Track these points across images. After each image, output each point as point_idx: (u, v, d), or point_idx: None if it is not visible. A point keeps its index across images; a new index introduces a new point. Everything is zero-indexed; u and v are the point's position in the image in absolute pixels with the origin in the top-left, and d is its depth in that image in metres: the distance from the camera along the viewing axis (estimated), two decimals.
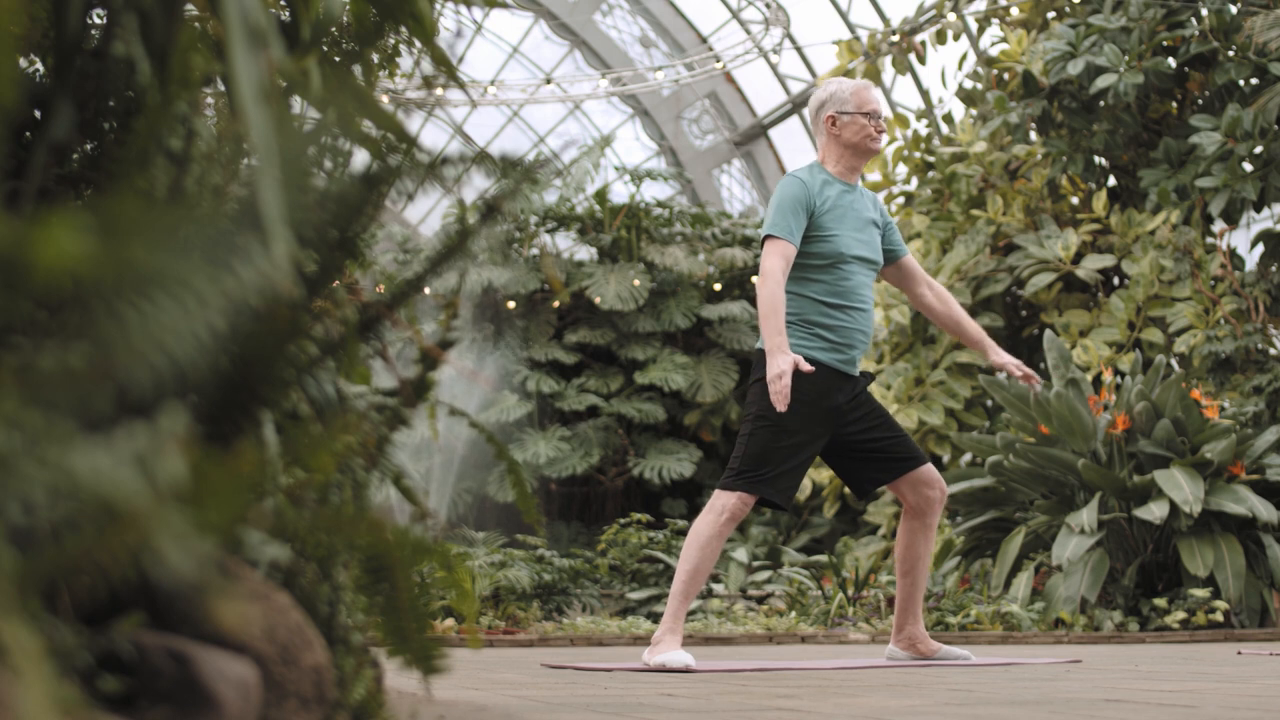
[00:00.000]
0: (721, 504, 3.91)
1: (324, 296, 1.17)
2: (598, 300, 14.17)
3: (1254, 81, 10.08)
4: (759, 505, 4.00)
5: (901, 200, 13.06)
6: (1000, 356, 4.21)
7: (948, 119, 13.79)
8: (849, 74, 13.04)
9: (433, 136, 18.73)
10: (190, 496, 0.70)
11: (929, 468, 4.07)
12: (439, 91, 1.37)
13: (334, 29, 1.33)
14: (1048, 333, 7.94)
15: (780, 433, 3.89)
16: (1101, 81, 10.03)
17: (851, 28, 15.31)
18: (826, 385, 3.93)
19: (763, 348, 3.95)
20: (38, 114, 1.08)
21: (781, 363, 3.81)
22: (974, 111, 12.35)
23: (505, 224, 1.20)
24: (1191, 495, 6.68)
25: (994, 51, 12.24)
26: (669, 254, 14.51)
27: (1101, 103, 10.61)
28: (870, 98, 4.12)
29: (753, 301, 14.50)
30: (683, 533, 8.78)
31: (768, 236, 3.96)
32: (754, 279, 3.98)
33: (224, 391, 1.03)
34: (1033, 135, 11.38)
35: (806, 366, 3.85)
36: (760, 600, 8.86)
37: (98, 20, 1.14)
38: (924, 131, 13.25)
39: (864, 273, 4.06)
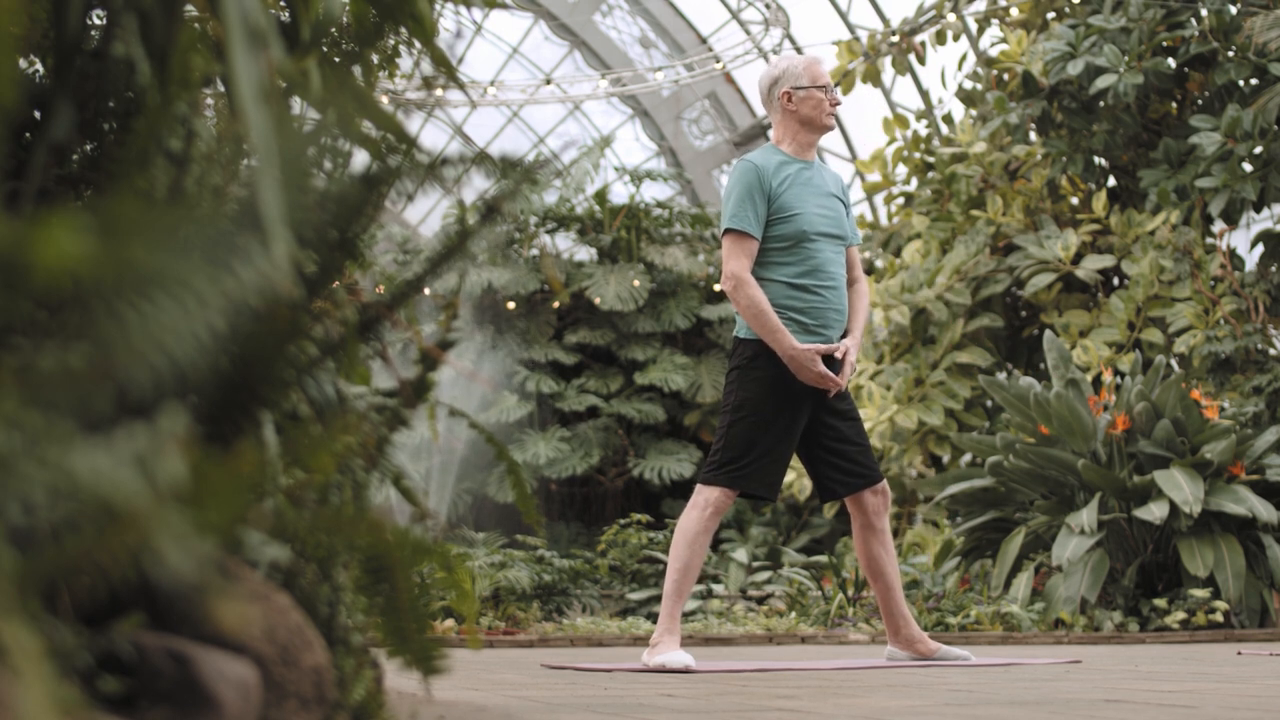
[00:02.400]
0: (705, 498, 3.86)
1: (324, 297, 1.17)
2: (598, 301, 14.17)
3: (1254, 82, 10.08)
4: (746, 498, 3.96)
5: (901, 200, 13.06)
6: (845, 352, 3.91)
7: (947, 119, 13.78)
8: (849, 74, 13.03)
9: (433, 137, 18.72)
10: (190, 497, 0.70)
11: (882, 483, 4.04)
12: (439, 92, 1.37)
13: (334, 29, 1.33)
14: (1048, 333, 7.94)
15: (759, 422, 3.85)
16: (1101, 82, 10.03)
17: (851, 28, 15.30)
18: None
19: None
20: (38, 114, 1.08)
21: (806, 361, 3.79)
22: (974, 112, 12.35)
23: (505, 225, 1.20)
24: (1191, 495, 6.68)
25: (994, 52, 12.24)
26: (669, 254, 14.51)
27: (1101, 103, 10.61)
28: (822, 72, 4.08)
29: None
30: None
31: (727, 230, 3.89)
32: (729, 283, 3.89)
33: (224, 391, 1.03)
34: (1032, 135, 11.38)
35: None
36: (760, 601, 8.86)
37: (98, 20, 1.14)
38: (924, 132, 13.25)
39: (831, 249, 3.97)
